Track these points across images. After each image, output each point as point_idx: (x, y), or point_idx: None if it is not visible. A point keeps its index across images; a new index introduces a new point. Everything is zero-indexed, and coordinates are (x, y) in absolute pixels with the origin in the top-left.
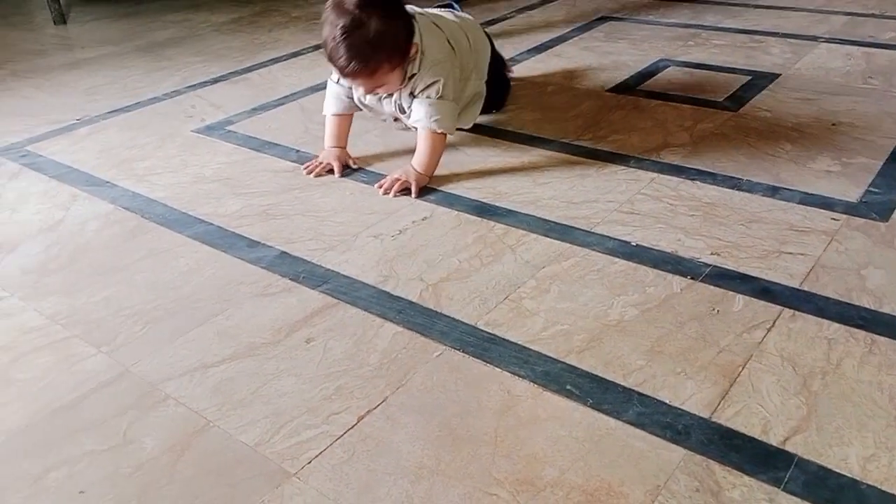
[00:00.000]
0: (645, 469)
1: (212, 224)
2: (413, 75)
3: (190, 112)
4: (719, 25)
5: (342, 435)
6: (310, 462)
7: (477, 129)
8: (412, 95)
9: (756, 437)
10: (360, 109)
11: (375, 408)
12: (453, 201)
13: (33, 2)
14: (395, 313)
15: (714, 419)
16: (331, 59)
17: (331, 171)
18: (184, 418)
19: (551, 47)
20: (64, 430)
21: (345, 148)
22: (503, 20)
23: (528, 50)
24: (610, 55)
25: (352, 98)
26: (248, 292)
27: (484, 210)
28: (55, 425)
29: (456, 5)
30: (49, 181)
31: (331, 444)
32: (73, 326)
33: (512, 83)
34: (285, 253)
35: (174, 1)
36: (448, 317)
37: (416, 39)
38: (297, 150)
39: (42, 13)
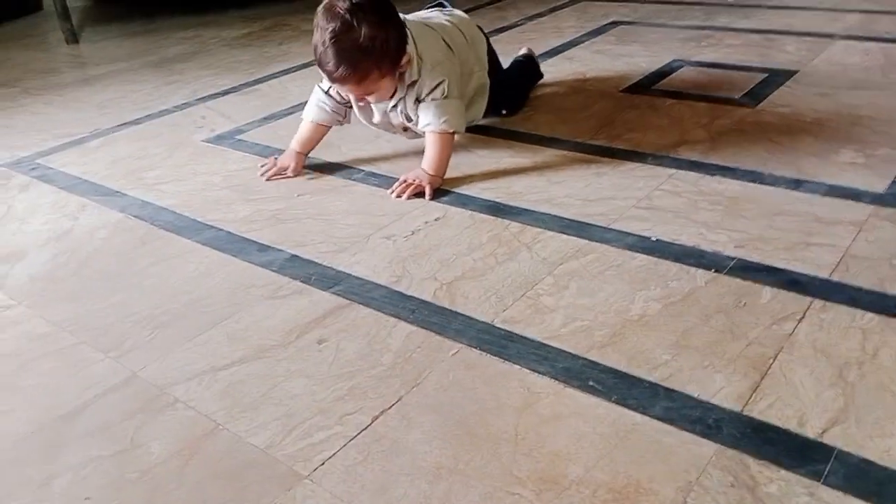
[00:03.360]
0: (675, 465)
1: (221, 230)
2: (414, 81)
3: (200, 123)
4: (732, 26)
5: (356, 436)
6: (322, 464)
7: (489, 130)
8: (418, 101)
9: (792, 429)
10: (342, 123)
11: (390, 407)
12: (466, 201)
13: (46, 23)
14: (408, 313)
15: (746, 412)
16: (319, 63)
17: (285, 171)
18: (192, 422)
19: (563, 51)
20: (70, 436)
21: (306, 154)
22: (513, 27)
23: (540, 55)
24: (622, 57)
25: (336, 111)
26: (258, 295)
27: (498, 209)
28: (61, 431)
29: (447, 3)
30: (59, 192)
31: (344, 445)
32: (80, 333)
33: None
34: (296, 256)
35: (185, 18)
36: (463, 315)
37: (410, 49)
38: (307, 156)
39: (55, 33)
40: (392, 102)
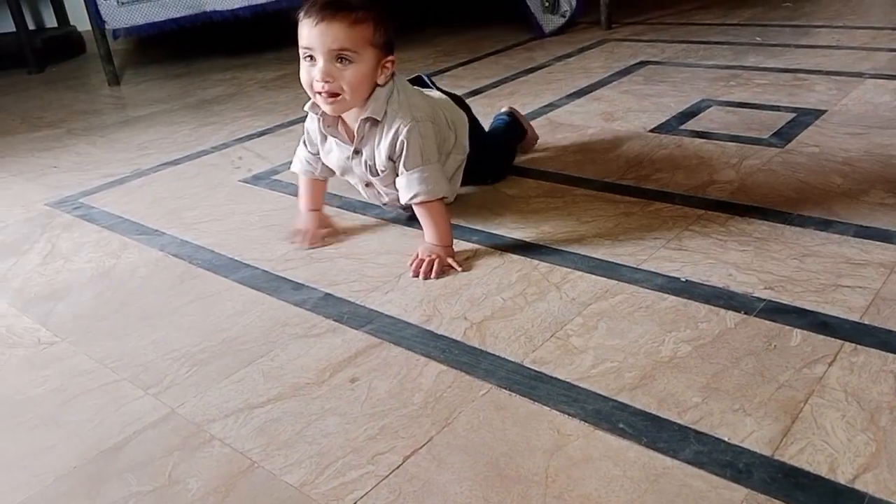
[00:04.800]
0: None
1: (257, 268)
2: (376, 121)
3: (237, 163)
4: (761, 65)
5: (388, 475)
6: (355, 503)
7: (518, 170)
8: (391, 160)
9: (823, 475)
10: (324, 177)
11: (421, 447)
12: (496, 241)
13: (89, 65)
14: (439, 352)
15: (777, 457)
16: (307, 8)
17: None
18: (228, 459)
19: (590, 92)
20: (111, 472)
21: (320, 210)
22: (541, 68)
23: (568, 95)
24: (650, 97)
25: (314, 164)
26: (292, 333)
27: (527, 249)
28: (102, 466)
29: (427, 79)
30: (101, 231)
31: (376, 485)
32: (121, 370)
33: (552, 126)
34: (329, 294)
35: (222, 61)
36: (493, 355)
37: (388, 86)
38: (342, 196)
39: (97, 76)
40: (353, 146)
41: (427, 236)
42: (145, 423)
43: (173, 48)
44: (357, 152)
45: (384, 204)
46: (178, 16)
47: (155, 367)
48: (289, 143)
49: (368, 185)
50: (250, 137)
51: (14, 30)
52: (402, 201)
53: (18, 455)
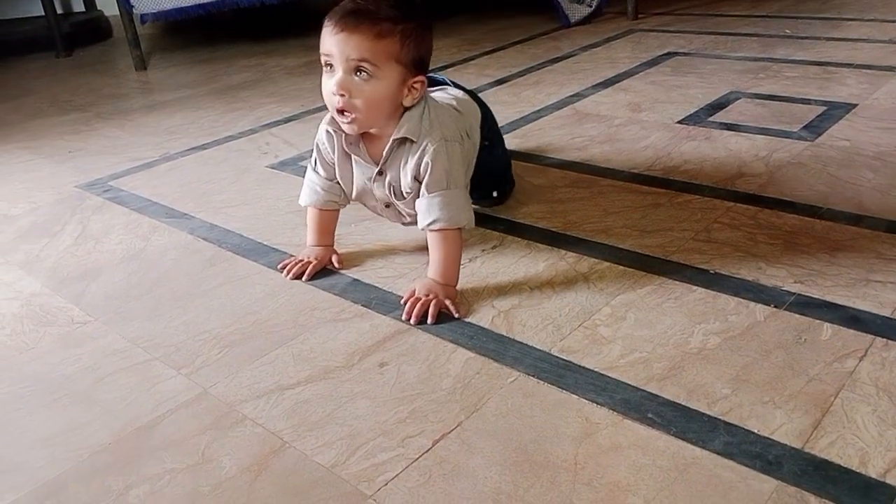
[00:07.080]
0: (735, 500)
1: (286, 253)
2: (409, 141)
3: (264, 149)
4: (790, 58)
5: (418, 458)
6: (386, 484)
7: (543, 160)
8: (416, 180)
9: (853, 468)
10: (339, 204)
11: (450, 432)
12: (523, 230)
13: (116, 50)
14: (466, 339)
15: (807, 449)
16: (331, 14)
17: (303, 274)
18: (261, 439)
19: (617, 82)
20: (145, 449)
21: (330, 246)
22: (567, 58)
23: (594, 85)
24: (678, 88)
25: (329, 190)
26: (321, 317)
27: (554, 238)
28: (137, 444)
29: (448, 82)
30: (131, 214)
31: (406, 467)
32: (153, 349)
33: (578, 117)
34: (357, 280)
35: (248, 47)
36: (521, 343)
37: (421, 106)
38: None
39: (124, 60)
40: (377, 168)
41: (431, 270)
42: (178, 402)
43: (200, 33)
44: (381, 173)
45: (405, 224)
46: (205, 1)
47: (186, 348)
48: (315, 129)
49: (389, 205)
50: (276, 123)
51: (43, 14)
52: (420, 226)
53: (54, 431)
